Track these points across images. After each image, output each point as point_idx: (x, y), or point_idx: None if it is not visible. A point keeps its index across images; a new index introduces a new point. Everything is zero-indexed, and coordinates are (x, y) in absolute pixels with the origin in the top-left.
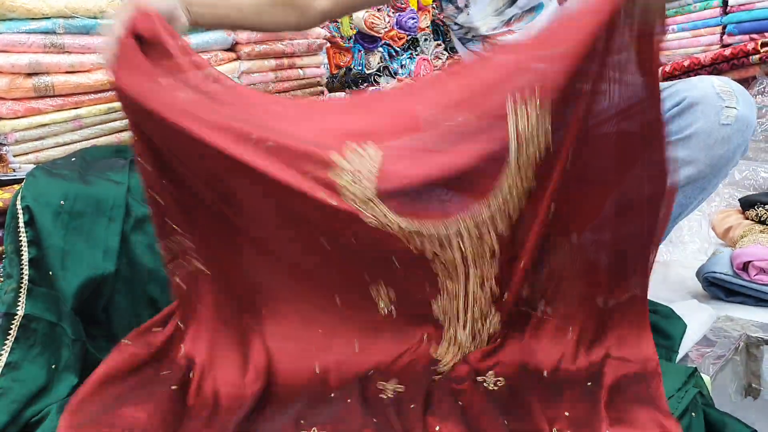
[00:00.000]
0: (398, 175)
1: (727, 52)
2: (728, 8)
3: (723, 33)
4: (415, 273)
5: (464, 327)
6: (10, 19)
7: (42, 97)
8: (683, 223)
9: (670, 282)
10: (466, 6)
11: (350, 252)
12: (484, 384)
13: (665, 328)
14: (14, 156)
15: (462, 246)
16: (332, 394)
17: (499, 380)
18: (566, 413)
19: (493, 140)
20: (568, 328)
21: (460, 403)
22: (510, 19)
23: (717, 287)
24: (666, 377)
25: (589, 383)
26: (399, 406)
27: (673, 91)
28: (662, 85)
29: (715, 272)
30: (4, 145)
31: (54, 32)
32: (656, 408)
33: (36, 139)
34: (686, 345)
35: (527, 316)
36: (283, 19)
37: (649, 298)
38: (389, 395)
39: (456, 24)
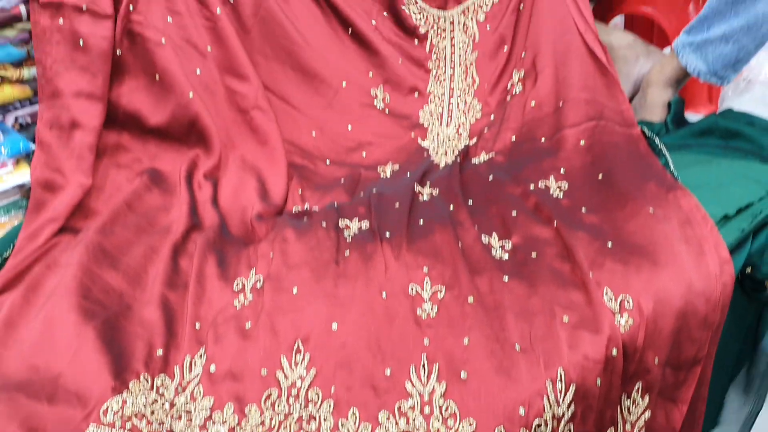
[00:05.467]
0: None
1: None
2: None
3: None
4: (411, 74)
5: (447, 125)
6: None
7: None
8: None
9: None
10: None
11: (367, 43)
12: (474, 161)
13: (761, 139)
14: None
15: (452, 35)
16: (327, 161)
17: (491, 154)
18: (562, 169)
19: None
20: (558, 103)
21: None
22: None
23: None
24: (753, 182)
25: (582, 142)
26: (394, 180)
27: None
28: None
29: None
30: None
31: None
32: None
33: None
34: None
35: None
36: None
37: (743, 111)
38: (386, 175)
39: None
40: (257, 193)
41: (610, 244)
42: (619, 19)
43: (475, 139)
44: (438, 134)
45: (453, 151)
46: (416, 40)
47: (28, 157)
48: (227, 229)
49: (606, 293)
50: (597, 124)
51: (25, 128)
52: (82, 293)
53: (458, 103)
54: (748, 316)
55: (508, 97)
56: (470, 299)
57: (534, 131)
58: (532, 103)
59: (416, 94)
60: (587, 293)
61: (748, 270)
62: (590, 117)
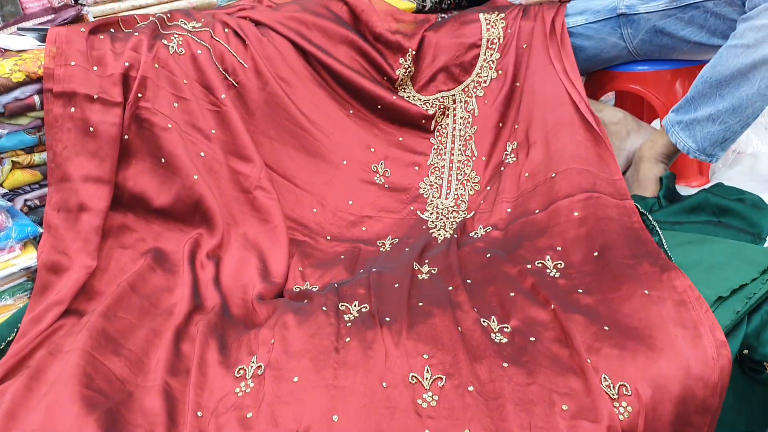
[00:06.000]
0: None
1: None
2: None
3: None
4: (413, 150)
5: (446, 197)
6: None
7: None
8: None
9: (759, 174)
10: None
11: (370, 121)
12: (471, 235)
13: (751, 216)
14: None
15: (455, 112)
16: (327, 237)
17: (488, 228)
18: (558, 247)
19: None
20: (551, 173)
21: (451, 250)
22: None
23: None
24: (746, 263)
25: (576, 213)
26: (394, 255)
27: None
28: None
29: None
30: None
31: None
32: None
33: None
34: None
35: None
36: None
37: (735, 186)
38: (386, 249)
39: None
40: (258, 272)
41: (606, 328)
42: (609, 96)
43: (473, 213)
44: (437, 206)
45: (451, 224)
46: (423, 120)
47: (35, 239)
48: (228, 309)
49: (604, 380)
50: (590, 195)
51: (34, 210)
52: (85, 382)
53: (457, 175)
54: (754, 399)
55: (502, 168)
56: (470, 388)
57: (528, 202)
58: (526, 174)
59: (416, 167)
60: (585, 380)
61: (745, 352)
62: (583, 188)
